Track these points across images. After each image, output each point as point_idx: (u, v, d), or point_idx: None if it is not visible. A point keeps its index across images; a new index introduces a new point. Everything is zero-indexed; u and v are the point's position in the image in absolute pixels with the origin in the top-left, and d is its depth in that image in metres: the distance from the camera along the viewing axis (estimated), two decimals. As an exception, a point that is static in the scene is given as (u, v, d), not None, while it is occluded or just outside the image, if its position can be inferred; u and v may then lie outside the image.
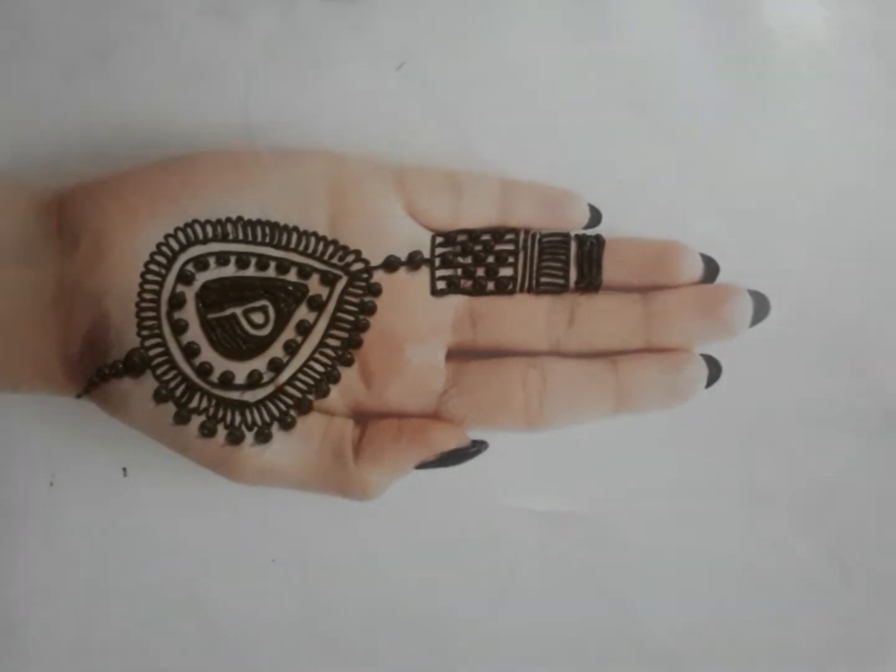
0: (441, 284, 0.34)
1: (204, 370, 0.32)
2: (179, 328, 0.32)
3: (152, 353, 0.32)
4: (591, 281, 0.34)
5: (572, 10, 0.36)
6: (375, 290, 0.33)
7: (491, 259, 0.34)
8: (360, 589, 0.32)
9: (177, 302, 0.33)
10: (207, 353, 0.33)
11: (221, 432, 0.32)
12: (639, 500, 0.33)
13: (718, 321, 0.33)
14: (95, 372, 0.32)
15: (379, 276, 0.33)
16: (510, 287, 0.34)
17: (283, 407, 0.33)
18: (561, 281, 0.34)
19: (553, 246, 0.34)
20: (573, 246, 0.34)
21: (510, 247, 0.34)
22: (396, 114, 0.35)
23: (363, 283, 0.33)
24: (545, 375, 0.33)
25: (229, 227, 0.33)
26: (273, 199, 0.33)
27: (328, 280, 0.33)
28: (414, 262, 0.34)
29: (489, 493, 0.33)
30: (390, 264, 0.33)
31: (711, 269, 0.34)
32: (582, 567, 0.33)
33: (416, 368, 0.33)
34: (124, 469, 0.33)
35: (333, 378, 0.33)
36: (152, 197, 0.33)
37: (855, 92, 0.36)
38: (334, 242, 0.33)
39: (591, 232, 0.34)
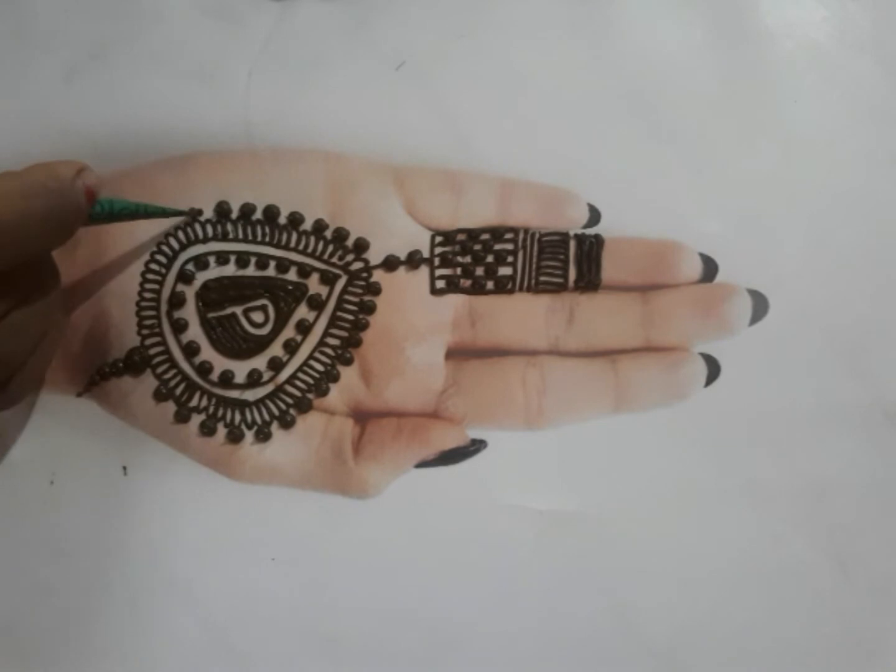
0: (440, 283, 0.34)
1: (204, 369, 0.32)
2: (179, 327, 0.33)
3: (152, 351, 0.33)
4: (590, 280, 0.34)
5: (572, 11, 0.36)
6: (375, 290, 0.33)
7: (490, 258, 0.34)
8: (359, 588, 0.32)
9: (177, 301, 0.33)
10: (207, 352, 0.33)
11: (221, 431, 0.32)
12: (638, 498, 0.33)
13: (717, 320, 0.33)
14: (96, 371, 0.32)
15: (378, 276, 0.34)
16: (509, 286, 0.34)
17: (282, 406, 0.33)
18: (560, 280, 0.34)
19: (552, 245, 0.34)
20: (572, 245, 0.34)
21: (509, 246, 0.34)
22: (396, 114, 0.35)
23: (363, 283, 0.33)
24: (544, 374, 0.33)
25: (229, 227, 0.33)
26: (273, 198, 0.33)
27: (328, 279, 0.33)
28: (413, 261, 0.34)
29: (488, 491, 0.33)
30: (390, 263, 0.33)
31: (710, 269, 0.34)
32: (581, 565, 0.33)
33: (416, 367, 0.33)
34: (124, 468, 0.33)
35: (333, 377, 0.33)
36: (152, 196, 0.33)
37: (854, 91, 0.36)
38: (334, 241, 0.33)
39: (591, 231, 0.34)
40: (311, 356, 0.33)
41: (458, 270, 0.34)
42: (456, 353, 0.33)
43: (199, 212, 0.33)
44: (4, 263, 0.25)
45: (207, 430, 0.32)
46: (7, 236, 0.25)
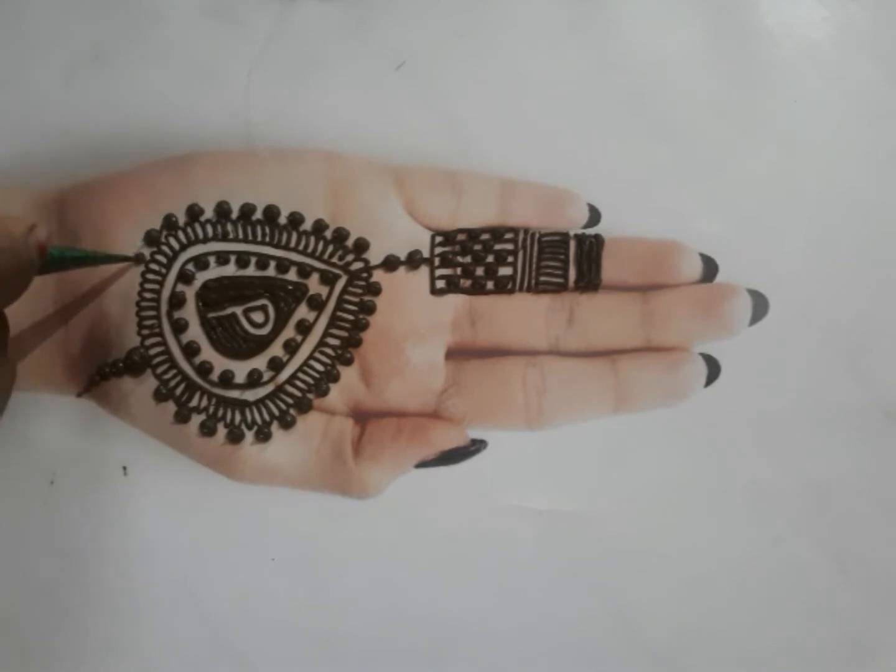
0: (440, 283, 0.34)
1: (204, 369, 0.32)
2: (179, 327, 0.33)
3: (152, 352, 0.33)
4: (590, 280, 0.34)
5: (572, 11, 0.36)
6: (375, 290, 0.33)
7: (490, 258, 0.34)
8: (359, 588, 0.32)
9: (177, 301, 0.33)
10: (207, 352, 0.33)
11: (221, 431, 0.32)
12: (638, 499, 0.33)
13: (717, 320, 0.33)
14: (96, 371, 0.32)
15: (379, 276, 0.34)
16: (509, 286, 0.34)
17: (282, 406, 0.33)
18: (560, 280, 0.34)
19: (552, 245, 0.34)
20: (572, 245, 0.34)
21: (509, 246, 0.34)
22: (396, 114, 0.35)
23: (363, 283, 0.33)
24: (545, 374, 0.33)
25: (229, 227, 0.33)
26: (273, 198, 0.33)
27: (328, 279, 0.33)
28: (413, 261, 0.34)
29: (488, 491, 0.33)
30: (390, 263, 0.33)
31: (710, 269, 0.34)
32: (581, 566, 0.33)
33: (416, 367, 0.33)
34: (124, 468, 0.33)
35: (333, 377, 0.33)
36: (152, 197, 0.33)
37: (853, 91, 0.36)
38: (334, 241, 0.33)
39: (591, 231, 0.34)
40: (311, 356, 0.33)
41: (459, 270, 0.34)
42: (456, 353, 0.33)
43: (144, 257, 0.33)
44: None
45: (207, 430, 0.32)
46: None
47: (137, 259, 0.33)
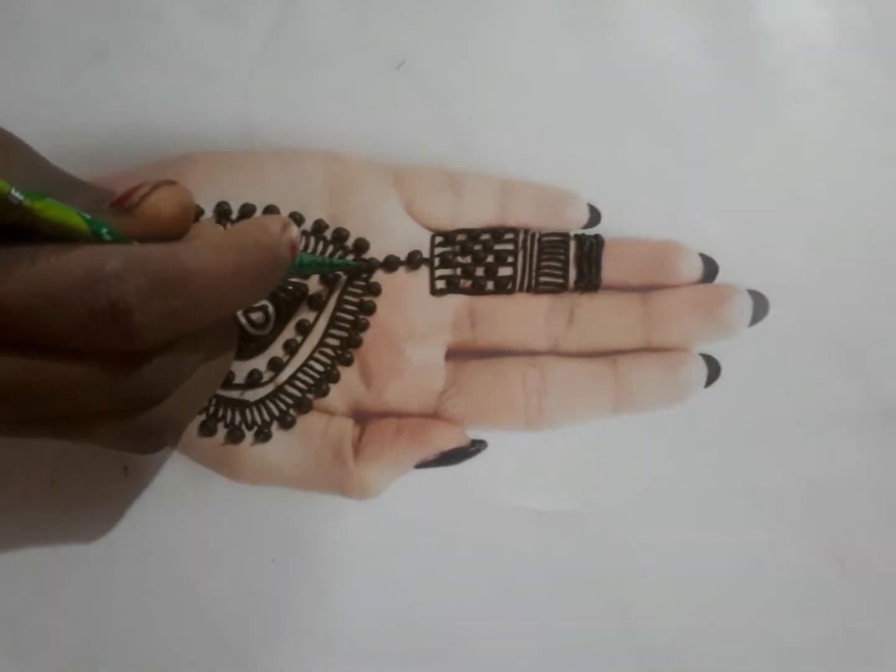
0: (440, 284, 0.34)
1: (204, 370, 0.32)
2: (179, 328, 0.32)
3: (152, 352, 0.32)
4: (590, 280, 0.34)
5: (572, 11, 0.36)
6: (375, 290, 0.33)
7: (490, 259, 0.34)
8: (359, 588, 0.32)
9: (177, 301, 0.33)
10: (207, 353, 0.33)
11: (221, 431, 0.32)
12: (638, 499, 0.33)
13: (717, 321, 0.33)
14: (96, 372, 0.32)
15: (378, 276, 0.34)
16: (509, 287, 0.34)
17: (282, 406, 0.33)
18: (560, 280, 0.34)
19: (552, 246, 0.34)
20: (572, 246, 0.34)
21: (509, 246, 0.34)
22: (396, 113, 0.35)
23: (363, 283, 0.33)
24: (545, 375, 0.33)
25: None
26: (272, 198, 0.33)
27: (328, 279, 0.33)
28: (413, 261, 0.34)
29: (488, 492, 0.33)
30: (390, 264, 0.33)
31: (710, 269, 0.34)
32: (581, 567, 0.33)
33: (416, 368, 0.33)
34: (125, 468, 0.32)
35: (333, 377, 0.33)
36: (152, 197, 0.33)
37: (854, 92, 0.36)
38: (334, 241, 0.33)
39: (591, 232, 0.34)
40: (311, 356, 0.33)
41: (459, 271, 0.34)
42: (456, 354, 0.33)
43: (376, 262, 0.34)
44: (214, 316, 0.25)
45: (208, 430, 0.32)
46: (224, 289, 0.25)
47: (371, 265, 0.33)
